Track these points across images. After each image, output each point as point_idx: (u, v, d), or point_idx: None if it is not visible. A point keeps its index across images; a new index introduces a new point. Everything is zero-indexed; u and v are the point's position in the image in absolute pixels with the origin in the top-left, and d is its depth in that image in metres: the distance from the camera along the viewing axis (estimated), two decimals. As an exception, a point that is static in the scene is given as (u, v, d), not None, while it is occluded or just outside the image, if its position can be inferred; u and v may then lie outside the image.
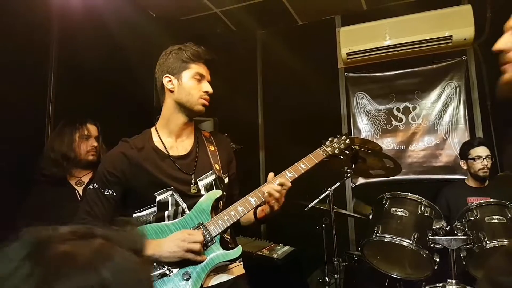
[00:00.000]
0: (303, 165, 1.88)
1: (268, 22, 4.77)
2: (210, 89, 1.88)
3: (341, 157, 2.01)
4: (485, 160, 3.35)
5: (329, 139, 2.04)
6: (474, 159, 3.40)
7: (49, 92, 3.09)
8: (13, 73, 2.76)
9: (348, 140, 2.03)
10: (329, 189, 2.82)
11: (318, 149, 1.97)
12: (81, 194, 2.59)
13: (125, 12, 3.79)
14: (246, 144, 4.11)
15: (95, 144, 2.64)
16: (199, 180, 1.87)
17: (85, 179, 2.65)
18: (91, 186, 1.84)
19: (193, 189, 1.84)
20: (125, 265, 0.65)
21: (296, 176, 1.86)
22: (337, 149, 1.99)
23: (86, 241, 0.66)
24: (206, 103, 1.88)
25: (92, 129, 2.68)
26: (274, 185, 1.79)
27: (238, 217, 1.80)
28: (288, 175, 1.85)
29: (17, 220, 2.38)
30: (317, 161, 1.91)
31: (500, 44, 1.18)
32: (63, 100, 3.14)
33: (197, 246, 1.67)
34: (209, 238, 1.75)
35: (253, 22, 4.68)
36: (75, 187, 2.60)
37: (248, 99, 4.91)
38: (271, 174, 1.88)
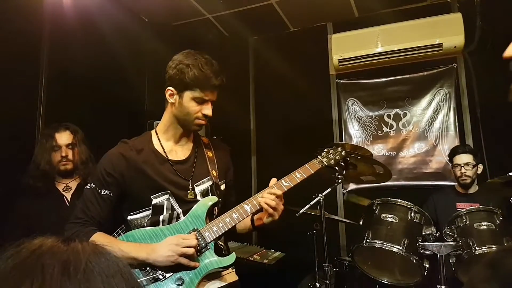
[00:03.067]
0: (299, 174, 1.88)
1: (260, 28, 4.79)
2: (210, 113, 1.82)
3: (336, 168, 2.02)
4: (463, 168, 3.39)
5: (325, 150, 2.04)
6: (455, 166, 3.45)
7: (39, 98, 3.07)
8: (3, 79, 2.74)
9: (344, 152, 2.04)
10: (320, 195, 2.82)
11: (314, 159, 1.97)
12: (69, 200, 2.58)
13: (118, 17, 3.79)
14: (238, 149, 4.10)
15: (64, 154, 2.58)
16: (196, 185, 1.86)
17: (73, 185, 2.64)
18: (88, 186, 1.82)
19: (190, 194, 1.84)
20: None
21: (292, 185, 1.85)
22: (332, 160, 2.00)
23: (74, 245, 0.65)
24: (203, 123, 1.85)
25: (63, 137, 2.61)
26: (268, 194, 1.79)
27: (233, 224, 1.80)
28: (284, 184, 1.85)
29: (5, 228, 2.37)
30: (312, 172, 1.91)
31: (510, 51, 1.18)
32: (54, 106, 3.13)
33: (190, 251, 1.66)
34: (203, 244, 1.75)
35: (246, 28, 4.70)
36: (63, 193, 2.60)
37: (240, 104, 4.91)
38: (273, 180, 1.88)
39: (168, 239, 1.70)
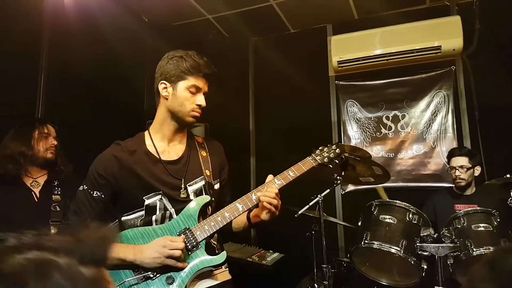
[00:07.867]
0: (291, 173, 1.89)
1: (260, 29, 4.80)
2: (203, 103, 1.86)
3: (330, 166, 2.00)
4: (457, 170, 3.39)
5: (319, 147, 2.03)
6: (451, 168, 3.46)
7: (38, 97, 3.08)
8: (3, 78, 2.74)
9: (338, 149, 2.02)
10: (318, 196, 2.84)
11: (308, 157, 1.97)
12: (38, 196, 2.55)
13: (118, 17, 3.79)
14: (237, 150, 4.12)
15: (55, 142, 2.63)
16: (188, 185, 1.87)
17: (41, 181, 2.60)
18: (81, 187, 1.84)
19: (183, 194, 1.84)
20: (64, 284, 0.60)
21: (284, 183, 1.86)
22: (326, 158, 1.98)
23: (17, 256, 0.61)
24: (198, 115, 1.87)
25: (52, 129, 2.68)
26: (268, 193, 1.79)
27: (225, 223, 1.80)
28: (277, 183, 1.86)
29: None
30: (305, 169, 1.91)
31: None
32: (53, 105, 3.14)
33: (177, 253, 1.67)
34: (194, 243, 1.75)
35: (246, 29, 4.71)
36: (31, 188, 2.56)
37: (239, 105, 4.93)
38: (270, 176, 1.89)
39: (156, 241, 1.71)
